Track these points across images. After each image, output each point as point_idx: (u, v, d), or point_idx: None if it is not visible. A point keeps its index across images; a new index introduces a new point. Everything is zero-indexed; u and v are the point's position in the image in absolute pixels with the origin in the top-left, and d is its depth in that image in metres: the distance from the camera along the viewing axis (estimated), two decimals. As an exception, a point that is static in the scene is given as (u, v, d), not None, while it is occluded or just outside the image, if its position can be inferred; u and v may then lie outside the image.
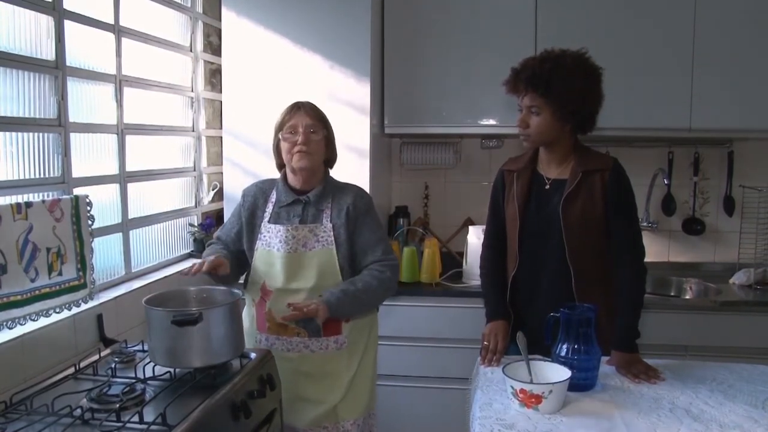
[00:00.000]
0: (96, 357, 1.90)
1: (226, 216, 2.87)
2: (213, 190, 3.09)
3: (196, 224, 2.98)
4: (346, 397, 2.09)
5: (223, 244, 2.16)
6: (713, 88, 2.85)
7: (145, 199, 2.60)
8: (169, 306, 1.79)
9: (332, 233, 2.04)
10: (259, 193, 2.14)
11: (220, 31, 3.24)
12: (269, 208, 2.10)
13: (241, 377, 1.76)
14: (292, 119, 2.04)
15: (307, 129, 2.02)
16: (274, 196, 2.11)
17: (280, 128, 2.06)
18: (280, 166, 2.15)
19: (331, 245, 2.03)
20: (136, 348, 1.97)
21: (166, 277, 2.54)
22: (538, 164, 2.12)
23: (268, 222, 2.08)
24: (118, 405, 1.50)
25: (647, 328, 2.67)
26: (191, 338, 1.70)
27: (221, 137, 3.28)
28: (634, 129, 2.95)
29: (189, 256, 2.91)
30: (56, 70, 2.01)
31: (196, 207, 3.03)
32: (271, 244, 2.04)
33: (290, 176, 2.11)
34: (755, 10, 2.84)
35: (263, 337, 2.06)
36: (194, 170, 3.03)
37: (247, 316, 2.11)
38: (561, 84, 1.94)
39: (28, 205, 1.74)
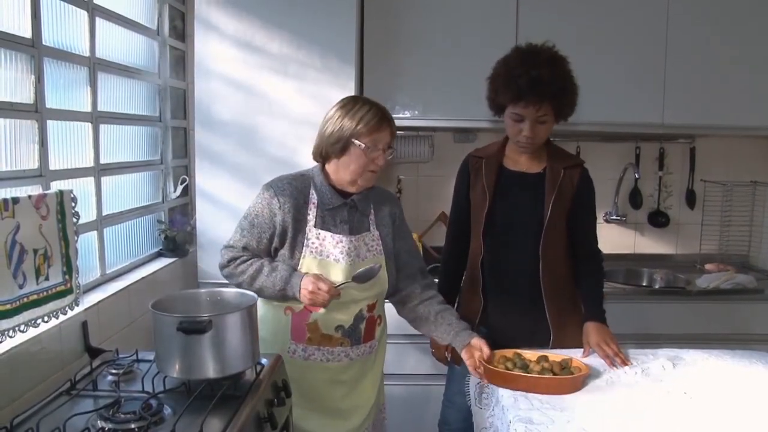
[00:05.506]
0: (88, 370, 1.71)
1: (199, 213, 2.68)
2: (182, 184, 2.89)
3: (164, 220, 2.77)
4: (377, 395, 2.02)
5: (254, 254, 1.86)
6: (686, 84, 2.93)
7: (109, 194, 2.35)
8: (177, 310, 1.63)
9: (380, 242, 1.93)
10: (296, 192, 1.85)
11: (183, 15, 3.04)
12: (312, 210, 1.86)
13: (260, 386, 1.62)
14: (379, 132, 1.80)
15: (386, 149, 1.84)
16: (314, 196, 1.86)
17: (357, 134, 1.78)
18: (320, 157, 1.89)
19: (380, 254, 1.92)
20: (130, 358, 1.78)
21: (143, 278, 2.33)
22: (504, 155, 2.13)
23: (314, 227, 1.85)
24: (145, 425, 1.34)
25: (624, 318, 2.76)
26: (203, 347, 1.55)
27: (184, 128, 3.09)
28: (609, 124, 2.99)
29: (159, 254, 2.70)
30: (33, 49, 1.79)
31: (163, 202, 2.82)
32: (325, 252, 1.84)
33: (338, 178, 1.87)
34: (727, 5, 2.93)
35: (299, 347, 1.87)
36: (161, 163, 2.81)
37: (275, 323, 1.89)
38: (566, 89, 1.98)
39: (15, 201, 1.52)
